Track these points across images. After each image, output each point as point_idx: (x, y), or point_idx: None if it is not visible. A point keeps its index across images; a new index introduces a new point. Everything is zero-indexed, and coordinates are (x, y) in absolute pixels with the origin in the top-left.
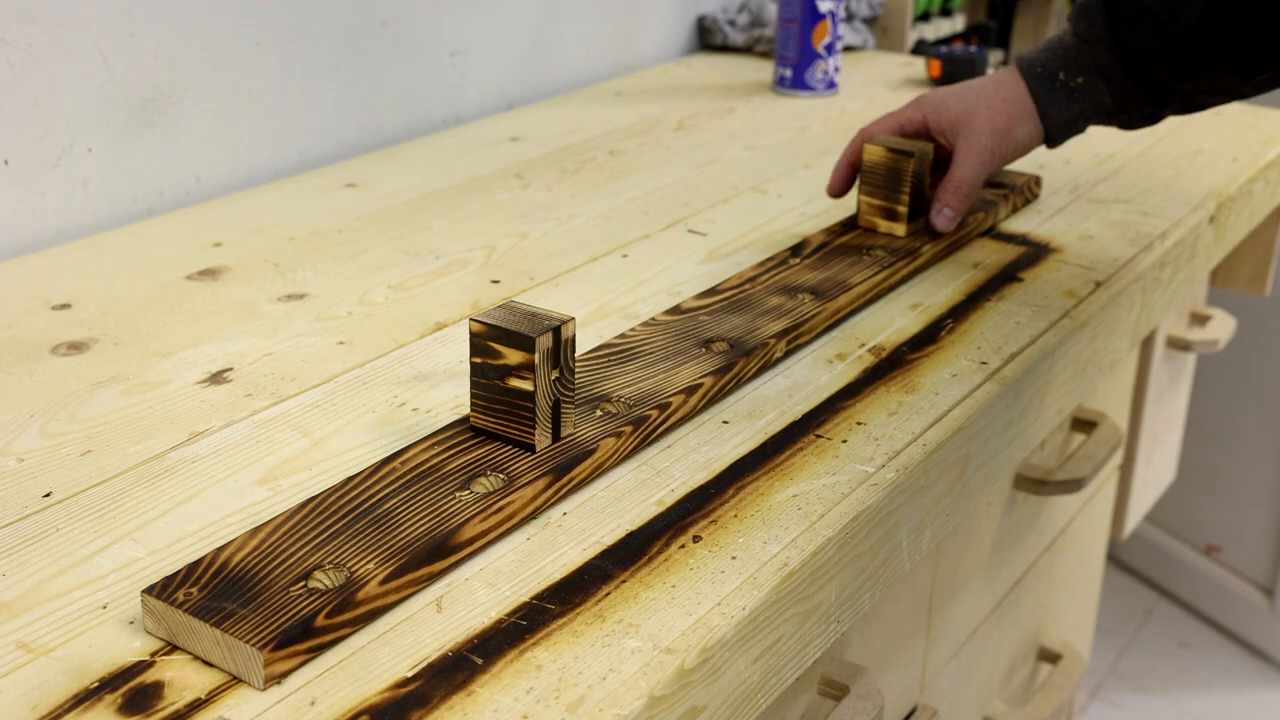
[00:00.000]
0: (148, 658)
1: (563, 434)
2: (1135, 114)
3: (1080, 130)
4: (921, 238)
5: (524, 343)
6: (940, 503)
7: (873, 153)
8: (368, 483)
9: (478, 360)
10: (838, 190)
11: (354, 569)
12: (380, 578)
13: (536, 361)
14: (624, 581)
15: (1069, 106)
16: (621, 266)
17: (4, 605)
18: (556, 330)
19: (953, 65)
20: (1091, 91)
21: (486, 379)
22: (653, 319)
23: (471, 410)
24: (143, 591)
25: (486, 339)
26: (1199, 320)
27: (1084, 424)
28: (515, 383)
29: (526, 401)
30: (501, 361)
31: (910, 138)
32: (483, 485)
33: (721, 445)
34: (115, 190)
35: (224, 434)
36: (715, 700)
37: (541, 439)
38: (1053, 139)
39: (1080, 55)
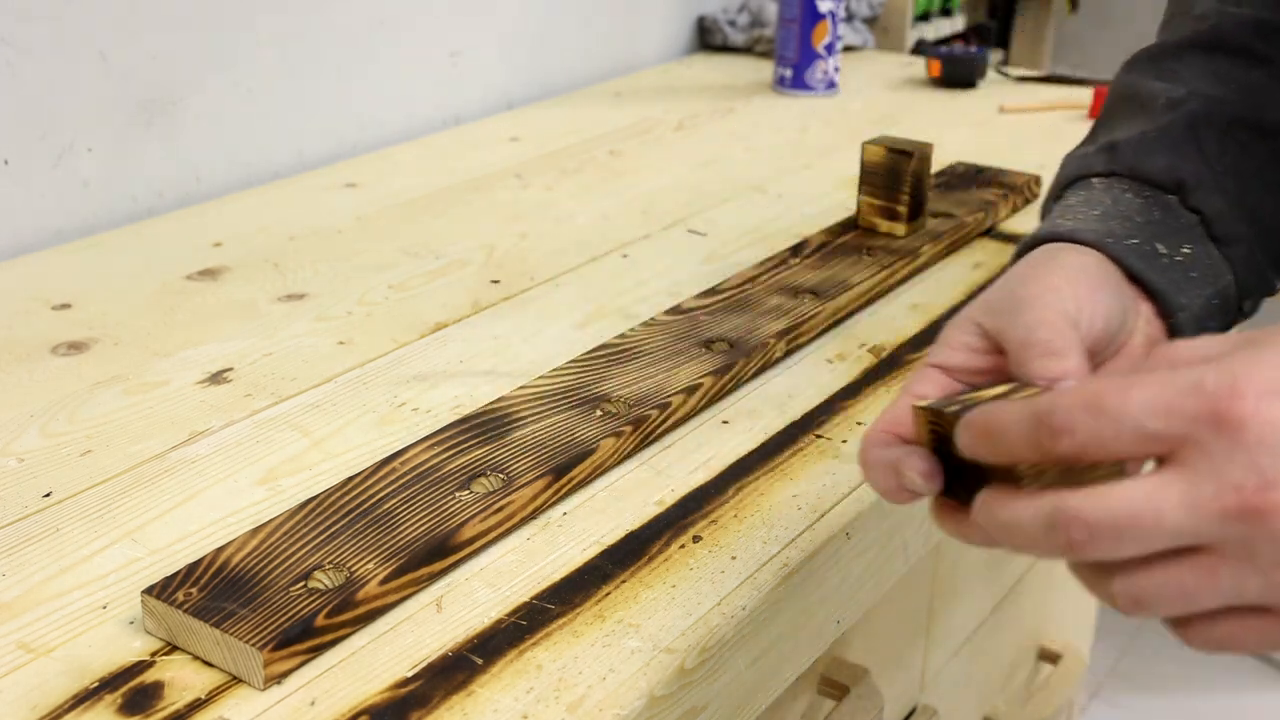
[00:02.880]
0: (148, 658)
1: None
2: (1259, 286)
3: (1211, 327)
4: (921, 237)
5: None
6: None
7: (872, 153)
8: (368, 483)
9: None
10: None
11: (354, 569)
12: (380, 578)
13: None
14: (624, 581)
15: (1193, 291)
16: (621, 266)
17: (4, 605)
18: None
19: (952, 65)
20: (1206, 264)
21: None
22: (653, 319)
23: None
24: (143, 591)
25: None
26: None
27: None
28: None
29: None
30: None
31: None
32: (483, 485)
33: (721, 445)
34: (115, 190)
35: (224, 434)
36: (715, 700)
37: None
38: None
39: (1169, 215)
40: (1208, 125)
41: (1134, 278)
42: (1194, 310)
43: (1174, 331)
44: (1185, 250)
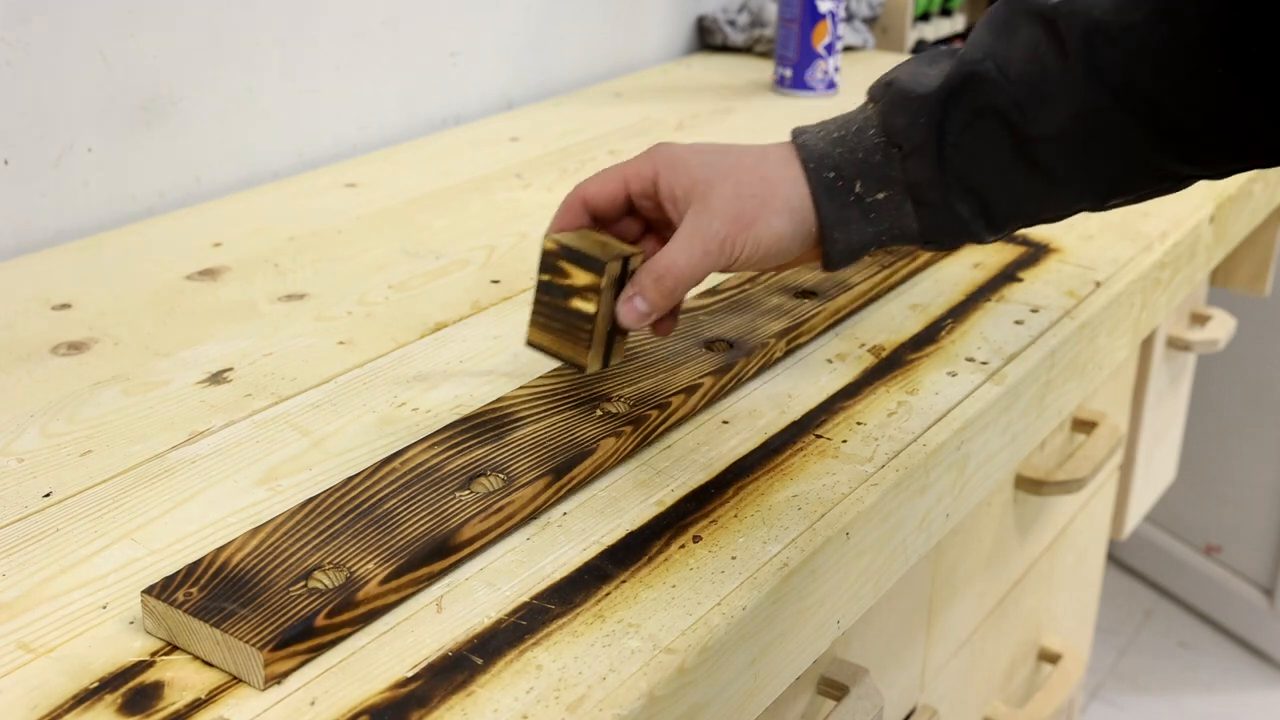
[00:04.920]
0: (148, 658)
1: (611, 362)
2: (949, 240)
3: (867, 254)
4: None
5: (594, 266)
6: (940, 503)
7: None
8: (368, 483)
9: (545, 278)
10: None
11: (354, 569)
12: (380, 578)
13: (603, 285)
14: (624, 581)
15: (862, 228)
16: None
17: (4, 605)
18: (625, 260)
19: None
20: (894, 212)
21: (550, 296)
22: None
23: (530, 327)
24: (143, 592)
25: (558, 258)
26: (1199, 320)
27: (1084, 424)
28: (578, 304)
29: (586, 323)
30: (568, 282)
31: (635, 197)
32: (483, 485)
33: (721, 445)
34: (115, 190)
35: (224, 434)
36: (715, 700)
37: (594, 362)
38: (834, 263)
39: (886, 163)
40: (969, 100)
41: (816, 201)
42: (850, 244)
43: (825, 256)
44: (880, 195)
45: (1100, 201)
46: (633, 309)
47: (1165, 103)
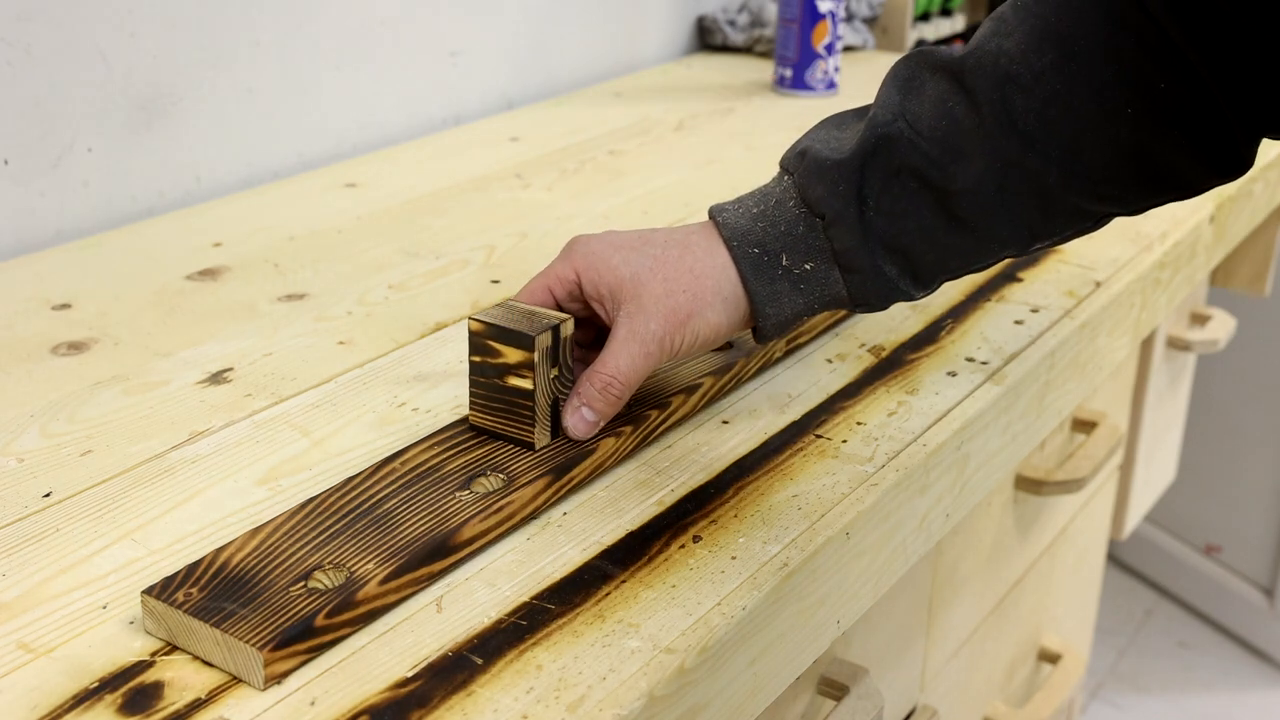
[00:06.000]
0: (148, 658)
1: (561, 432)
2: (878, 301)
3: (797, 324)
4: None
5: (523, 341)
6: (940, 503)
7: None
8: (368, 483)
9: (477, 359)
10: None
11: (354, 569)
12: (380, 578)
13: (536, 360)
14: (624, 581)
15: (793, 300)
16: None
17: (4, 605)
18: (555, 329)
19: None
20: (823, 281)
21: (485, 378)
22: None
23: (471, 409)
24: (143, 592)
25: (485, 338)
26: (1199, 320)
27: (1084, 424)
28: (515, 381)
29: (526, 400)
30: (501, 360)
31: (562, 301)
32: (483, 485)
33: (721, 445)
34: (115, 190)
35: (224, 434)
36: (715, 700)
37: (541, 437)
38: (766, 337)
39: (810, 233)
40: (885, 161)
41: (744, 280)
42: (782, 317)
43: (758, 331)
44: (808, 266)
45: (1024, 247)
46: (581, 420)
47: (1080, 145)
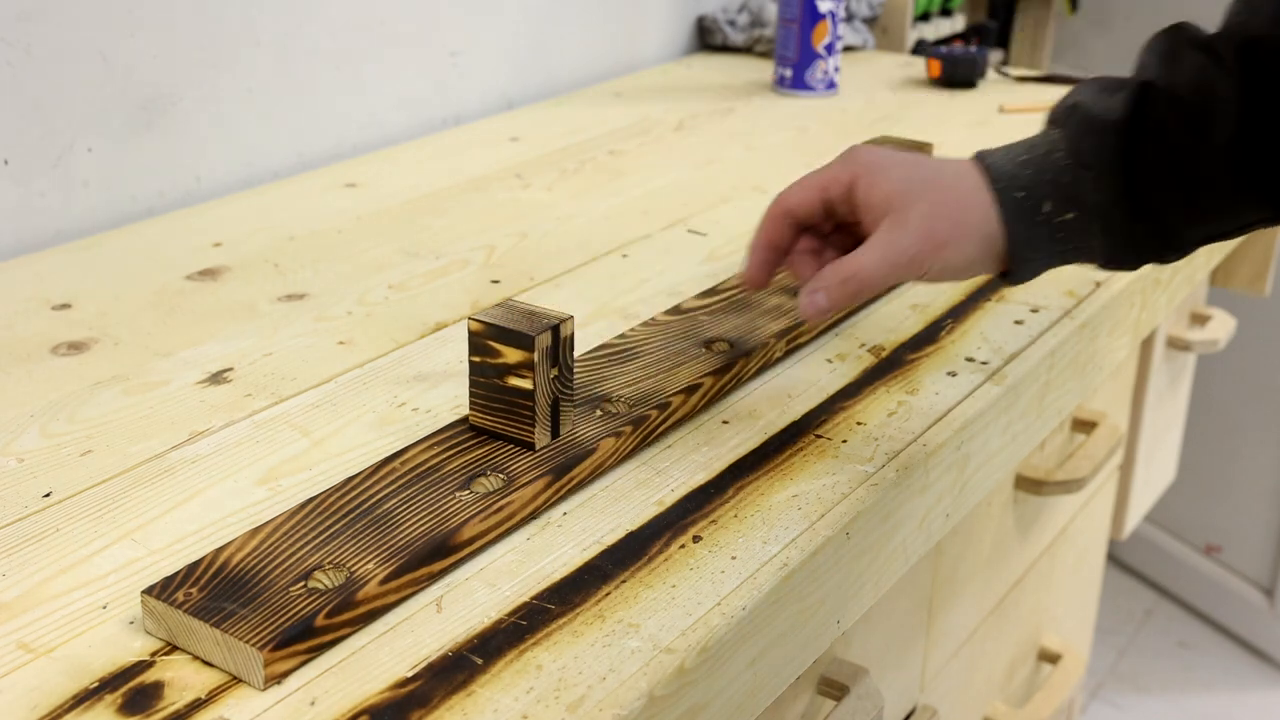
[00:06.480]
0: (148, 658)
1: (561, 432)
2: (1132, 260)
3: (1045, 271)
4: None
5: (523, 341)
6: (940, 503)
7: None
8: (368, 483)
9: (477, 359)
10: (760, 282)
11: (354, 569)
12: (380, 578)
13: (536, 360)
14: (624, 581)
15: (1049, 248)
16: (621, 266)
17: (4, 605)
18: (555, 328)
19: (953, 65)
20: (1080, 232)
21: (485, 378)
22: (653, 319)
23: (471, 409)
24: (143, 592)
25: (485, 338)
26: (1199, 320)
27: (1084, 424)
28: (514, 381)
29: (526, 400)
30: (500, 360)
31: (831, 202)
32: (483, 485)
33: (721, 445)
34: (115, 190)
35: (224, 434)
36: (715, 700)
37: (541, 437)
38: (1018, 280)
39: (1076, 184)
40: (1152, 126)
41: (1005, 221)
42: (1035, 263)
43: (1011, 274)
44: (1068, 215)
45: (1276, 211)
46: (813, 303)
47: None
